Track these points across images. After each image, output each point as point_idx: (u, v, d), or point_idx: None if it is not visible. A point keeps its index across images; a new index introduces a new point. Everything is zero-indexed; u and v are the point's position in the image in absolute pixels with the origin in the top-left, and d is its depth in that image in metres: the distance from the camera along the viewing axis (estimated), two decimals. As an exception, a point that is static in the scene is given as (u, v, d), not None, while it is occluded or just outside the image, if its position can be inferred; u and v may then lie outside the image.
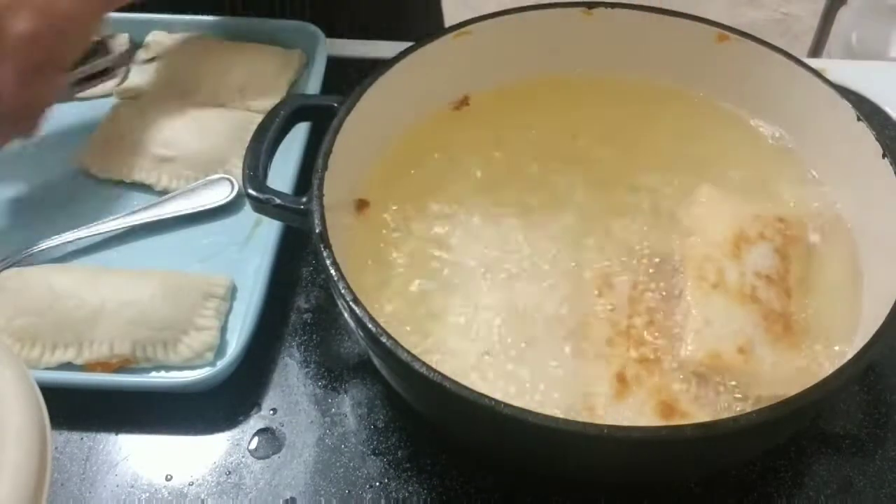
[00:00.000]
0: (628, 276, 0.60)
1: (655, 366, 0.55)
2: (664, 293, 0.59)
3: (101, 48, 0.75)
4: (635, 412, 0.53)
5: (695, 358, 0.54)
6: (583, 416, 0.53)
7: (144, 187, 0.73)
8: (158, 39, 0.82)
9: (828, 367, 0.54)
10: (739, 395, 0.54)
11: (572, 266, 0.60)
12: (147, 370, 0.62)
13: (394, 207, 0.63)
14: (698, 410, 0.53)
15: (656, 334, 0.57)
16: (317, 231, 0.54)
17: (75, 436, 0.59)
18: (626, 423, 0.52)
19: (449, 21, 0.67)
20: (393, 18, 0.99)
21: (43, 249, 0.67)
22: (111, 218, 0.69)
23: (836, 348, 0.56)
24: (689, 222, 0.62)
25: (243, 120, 0.75)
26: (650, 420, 0.53)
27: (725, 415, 0.52)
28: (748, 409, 0.48)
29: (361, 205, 0.63)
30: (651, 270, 0.60)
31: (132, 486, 0.57)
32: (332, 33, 0.83)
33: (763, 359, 0.54)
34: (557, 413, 0.51)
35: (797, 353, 0.55)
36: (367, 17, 0.96)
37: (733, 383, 0.54)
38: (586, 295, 0.59)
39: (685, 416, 0.53)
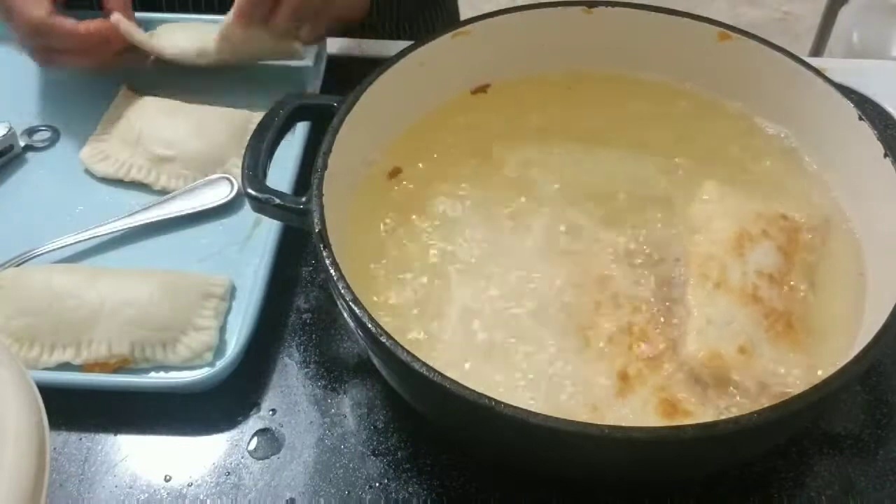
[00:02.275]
0: (630, 274, 0.59)
1: (658, 364, 0.55)
2: (666, 291, 0.59)
3: None
4: (637, 411, 0.53)
5: (695, 357, 0.54)
6: (584, 415, 0.52)
7: (143, 186, 0.73)
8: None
9: (830, 367, 0.54)
10: (742, 395, 0.54)
11: (574, 263, 0.60)
12: (146, 370, 0.61)
13: (395, 204, 0.63)
14: (700, 409, 0.53)
15: (658, 332, 0.56)
16: (316, 230, 0.54)
17: (74, 436, 0.59)
18: (628, 421, 0.52)
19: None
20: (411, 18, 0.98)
21: (42, 250, 0.67)
22: (111, 219, 0.69)
23: (839, 347, 0.55)
24: (693, 220, 0.62)
25: (243, 119, 0.75)
26: (652, 419, 0.53)
27: (727, 414, 0.52)
28: (750, 409, 0.48)
29: (363, 202, 0.63)
30: (654, 268, 0.60)
31: (131, 487, 0.57)
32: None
33: (764, 358, 0.54)
34: (559, 412, 0.51)
35: (799, 352, 0.55)
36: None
37: (735, 382, 0.54)
38: (588, 292, 0.59)
39: (687, 414, 0.53)
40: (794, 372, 0.54)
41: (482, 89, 0.70)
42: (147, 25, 0.83)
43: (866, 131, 0.60)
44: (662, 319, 0.57)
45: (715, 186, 0.63)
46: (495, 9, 0.67)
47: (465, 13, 0.68)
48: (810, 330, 0.57)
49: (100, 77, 0.79)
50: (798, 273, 0.59)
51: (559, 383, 0.54)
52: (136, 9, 0.86)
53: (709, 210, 0.62)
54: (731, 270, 0.58)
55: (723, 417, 0.48)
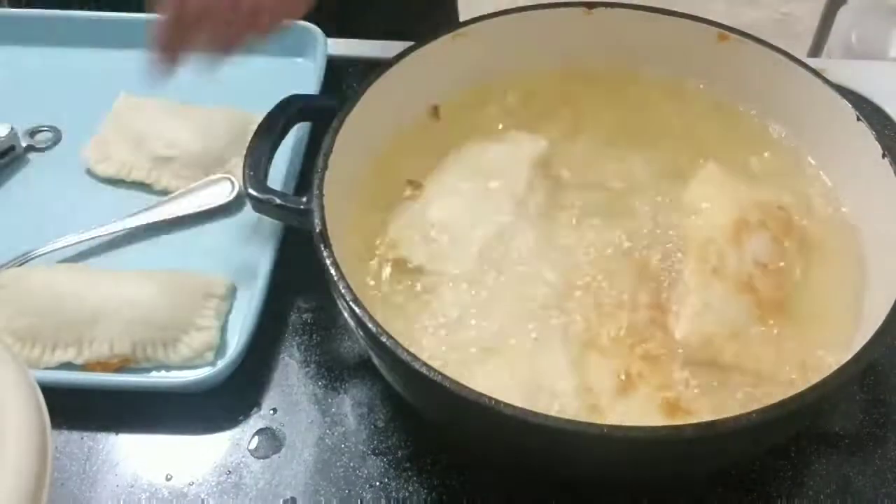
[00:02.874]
0: (630, 270, 0.60)
1: (659, 362, 0.55)
2: (668, 286, 0.59)
3: None
4: (640, 409, 0.53)
5: (689, 342, 0.55)
6: (586, 415, 0.53)
7: (145, 187, 0.73)
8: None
9: (829, 362, 0.54)
10: (744, 391, 0.54)
11: (573, 261, 0.60)
12: (147, 370, 0.62)
13: (395, 205, 0.63)
14: (702, 407, 0.53)
15: (659, 331, 0.57)
16: (317, 231, 0.54)
17: (75, 435, 0.59)
18: (630, 420, 0.52)
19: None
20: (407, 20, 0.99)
21: (44, 250, 0.67)
22: (112, 220, 0.69)
23: (838, 344, 0.56)
24: (691, 203, 0.62)
25: (244, 120, 0.75)
26: (655, 417, 0.53)
27: (729, 412, 0.52)
28: (752, 407, 0.48)
29: (363, 202, 0.63)
30: (653, 264, 0.60)
31: (132, 486, 0.57)
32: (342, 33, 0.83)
33: (757, 347, 0.55)
34: (561, 411, 0.51)
35: (796, 346, 0.56)
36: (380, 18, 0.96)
37: (732, 372, 0.54)
38: (588, 290, 0.59)
39: (689, 413, 0.53)
40: (788, 362, 0.55)
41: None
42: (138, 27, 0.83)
43: (864, 132, 0.60)
44: (662, 317, 0.57)
45: (716, 169, 0.63)
46: (495, 10, 0.68)
47: (462, 14, 0.68)
48: (808, 324, 0.57)
49: (102, 78, 0.79)
50: (795, 266, 0.59)
51: (561, 383, 0.55)
52: (135, 9, 0.86)
53: (708, 193, 0.62)
54: (729, 257, 0.58)
55: (723, 416, 0.48)
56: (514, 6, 0.68)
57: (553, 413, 0.47)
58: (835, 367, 0.49)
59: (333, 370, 0.63)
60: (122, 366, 0.61)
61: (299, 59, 0.83)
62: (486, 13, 0.68)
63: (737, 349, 0.54)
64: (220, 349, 0.63)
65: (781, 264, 0.59)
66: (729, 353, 0.54)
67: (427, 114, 0.69)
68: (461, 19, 1.03)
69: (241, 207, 0.71)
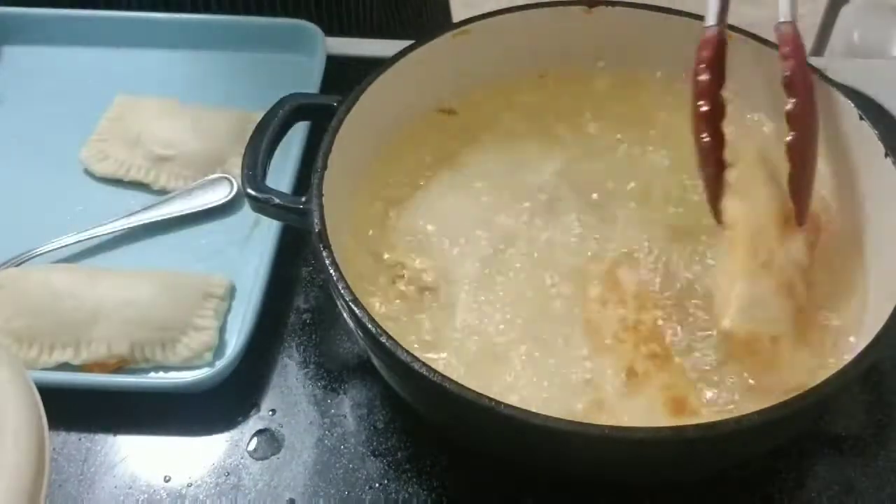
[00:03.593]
0: (634, 268, 0.59)
1: (665, 361, 0.55)
2: (680, 286, 0.58)
3: None
4: (645, 408, 0.53)
5: (735, 333, 0.54)
6: (591, 414, 0.52)
7: (143, 186, 0.72)
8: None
9: (835, 364, 0.54)
10: (750, 391, 0.54)
11: (577, 259, 0.60)
12: (145, 370, 0.61)
13: (394, 205, 0.63)
14: (708, 407, 0.53)
15: (665, 328, 0.56)
16: (316, 230, 0.54)
17: (73, 437, 0.59)
18: (635, 419, 0.52)
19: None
20: (397, 17, 0.99)
21: (42, 250, 0.67)
22: (110, 219, 0.69)
23: (846, 344, 0.55)
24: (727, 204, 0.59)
25: (242, 119, 0.75)
26: (660, 416, 0.53)
27: (735, 412, 0.52)
28: (757, 408, 0.48)
29: (363, 202, 0.63)
30: (672, 262, 0.60)
31: (130, 488, 0.57)
32: (332, 32, 0.83)
33: (786, 351, 0.54)
34: (564, 412, 0.51)
35: (813, 348, 0.55)
36: (370, 16, 0.96)
37: (741, 377, 0.54)
38: (592, 289, 0.58)
39: (695, 412, 0.53)
40: (807, 369, 0.54)
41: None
42: (147, 25, 0.83)
43: (867, 131, 0.60)
44: (669, 315, 0.57)
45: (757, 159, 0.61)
46: (495, 8, 0.67)
47: (462, 13, 0.68)
48: (825, 326, 0.57)
49: (100, 78, 0.79)
50: (815, 270, 0.58)
51: (564, 382, 0.54)
52: (136, 8, 0.86)
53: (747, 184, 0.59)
54: (776, 254, 0.56)
55: (728, 417, 0.48)
56: (513, 5, 0.68)
57: (558, 412, 0.47)
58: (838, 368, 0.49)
59: (333, 371, 0.62)
60: (120, 366, 0.61)
61: (299, 58, 0.82)
62: (484, 12, 0.67)
63: (773, 352, 0.54)
64: (218, 350, 0.62)
65: (809, 269, 0.57)
66: (763, 351, 0.54)
67: (427, 113, 0.68)
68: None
69: (240, 207, 0.71)
